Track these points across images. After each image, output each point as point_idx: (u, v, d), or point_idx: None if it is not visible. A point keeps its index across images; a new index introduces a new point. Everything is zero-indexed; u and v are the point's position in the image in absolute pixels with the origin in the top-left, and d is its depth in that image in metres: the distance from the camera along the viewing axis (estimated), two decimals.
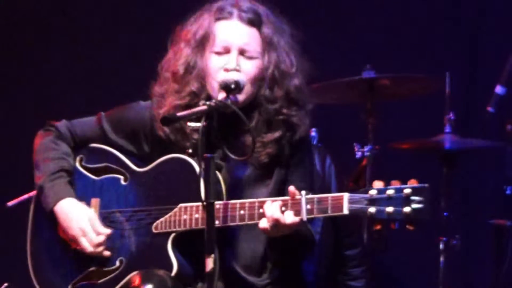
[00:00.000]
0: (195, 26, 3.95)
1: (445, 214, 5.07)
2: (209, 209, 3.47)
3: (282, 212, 3.64)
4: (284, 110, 3.88)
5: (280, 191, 3.87)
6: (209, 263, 3.41)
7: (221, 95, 3.69)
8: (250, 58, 3.86)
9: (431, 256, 5.15)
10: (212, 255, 3.41)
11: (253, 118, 3.88)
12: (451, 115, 5.12)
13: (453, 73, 5.16)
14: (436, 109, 5.20)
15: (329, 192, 4.78)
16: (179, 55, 3.94)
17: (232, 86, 3.72)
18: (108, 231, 3.91)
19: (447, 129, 5.12)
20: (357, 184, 5.16)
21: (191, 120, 3.59)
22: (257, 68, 3.86)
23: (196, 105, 3.79)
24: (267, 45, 3.89)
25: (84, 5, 6.34)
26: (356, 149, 5.17)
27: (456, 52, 5.93)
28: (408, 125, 5.70)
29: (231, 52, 3.85)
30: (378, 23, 6.03)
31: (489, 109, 4.77)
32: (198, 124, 3.51)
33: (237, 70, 3.81)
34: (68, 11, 6.33)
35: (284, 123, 3.89)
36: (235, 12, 3.89)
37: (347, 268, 4.98)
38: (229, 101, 3.65)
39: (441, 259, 5.05)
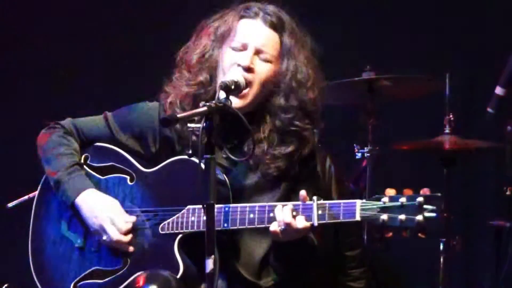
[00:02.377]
0: (218, 22, 3.97)
1: (445, 215, 5.05)
2: (209, 210, 3.45)
3: (294, 217, 3.64)
4: (297, 122, 3.88)
5: (285, 200, 3.83)
6: (209, 264, 3.40)
7: (221, 95, 3.66)
8: (265, 60, 3.87)
9: (431, 257, 5.16)
10: (212, 256, 3.40)
11: (266, 126, 3.89)
12: (451, 116, 5.13)
13: (453, 74, 5.17)
14: (436, 110, 5.21)
15: (329, 193, 4.77)
16: (197, 46, 3.97)
17: (232, 86, 3.71)
18: (133, 218, 3.90)
19: (447, 130, 5.13)
20: (357, 185, 5.17)
21: (191, 121, 3.58)
22: (270, 72, 3.87)
23: (203, 96, 3.85)
24: (286, 53, 3.90)
25: (86, 4, 6.34)
26: (356, 150, 5.19)
27: (456, 53, 5.93)
28: (408, 126, 5.72)
29: (248, 49, 3.86)
30: (378, 24, 6.04)
31: (489, 110, 4.64)
32: (198, 125, 3.50)
33: (250, 68, 3.82)
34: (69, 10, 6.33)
35: (297, 137, 3.88)
36: (261, 13, 3.91)
37: (347, 269, 4.97)
38: (228, 102, 3.62)
39: (441, 260, 5.06)
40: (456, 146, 5.11)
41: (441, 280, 5.06)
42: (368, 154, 5.13)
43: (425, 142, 5.18)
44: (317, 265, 4.08)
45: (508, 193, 4.86)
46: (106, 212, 3.91)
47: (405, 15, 6.00)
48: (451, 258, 5.07)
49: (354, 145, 5.21)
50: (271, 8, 3.94)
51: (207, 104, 3.50)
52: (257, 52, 3.86)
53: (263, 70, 3.86)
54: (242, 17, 3.93)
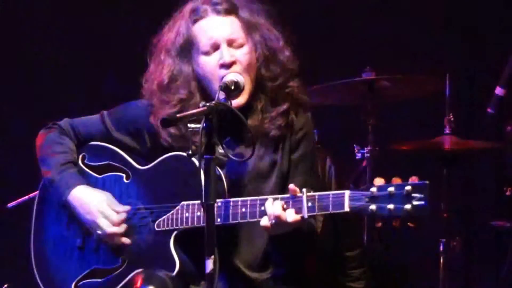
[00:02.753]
0: (172, 34, 3.94)
1: (444, 215, 5.07)
2: (209, 211, 3.46)
3: (284, 209, 3.63)
4: (288, 83, 3.90)
5: (282, 186, 3.87)
6: (209, 264, 3.41)
7: (221, 96, 3.66)
8: (240, 46, 3.86)
9: (431, 257, 5.17)
10: (212, 257, 3.41)
11: (259, 100, 3.89)
12: (451, 116, 5.13)
13: (453, 74, 5.17)
14: (436, 110, 5.22)
15: None
16: (161, 66, 3.94)
17: (232, 87, 3.71)
18: (127, 207, 3.91)
19: (447, 130, 5.13)
20: (357, 185, 5.12)
21: (191, 122, 3.58)
22: (249, 54, 3.86)
23: (189, 108, 3.80)
24: (249, 27, 3.90)
25: (86, 4, 6.33)
26: (356, 150, 5.19)
27: (456, 53, 5.94)
28: (408, 126, 5.73)
29: (221, 46, 3.84)
30: (378, 25, 6.04)
31: (489, 110, 4.69)
32: (198, 125, 3.50)
33: (233, 61, 3.81)
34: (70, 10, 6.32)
35: (288, 95, 3.90)
36: (209, 8, 3.88)
37: (347, 269, 4.93)
38: (228, 102, 3.63)
39: (441, 260, 5.06)
40: (456, 147, 5.11)
41: (441, 280, 5.06)
42: (368, 155, 5.13)
43: (425, 142, 5.18)
44: (315, 251, 4.11)
45: (508, 193, 4.88)
46: (97, 207, 3.92)
47: (405, 15, 6.01)
48: (451, 259, 5.07)
49: (354, 145, 5.21)
50: None
51: (207, 104, 3.51)
52: (229, 43, 3.85)
53: (242, 55, 3.85)
54: (194, 21, 3.90)
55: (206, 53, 3.85)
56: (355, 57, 5.63)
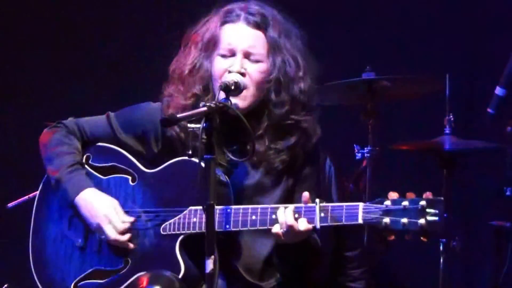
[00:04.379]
0: (203, 29, 3.97)
1: (444, 215, 5.03)
2: (209, 211, 3.46)
3: (296, 219, 3.65)
4: (293, 115, 3.89)
5: (287, 200, 3.87)
6: (209, 264, 3.42)
7: (221, 96, 3.67)
8: (256, 61, 3.86)
9: (431, 257, 5.17)
10: (212, 257, 3.41)
11: (262, 122, 3.89)
12: (451, 117, 5.13)
13: (453, 74, 5.17)
14: (436, 110, 5.22)
15: (329, 193, 4.81)
16: (187, 57, 3.96)
17: (232, 87, 3.71)
18: (131, 218, 3.91)
19: (447, 130, 5.13)
20: (357, 185, 5.18)
21: (191, 122, 3.58)
22: (263, 72, 3.87)
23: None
24: (272, 48, 3.89)
25: (89, 5, 6.35)
26: (356, 150, 5.17)
27: (456, 53, 5.93)
28: (408, 127, 5.73)
29: (236, 55, 3.86)
30: (378, 25, 6.05)
31: (489, 110, 4.73)
32: (198, 126, 3.51)
33: (242, 73, 3.81)
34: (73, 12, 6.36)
35: (297, 129, 3.90)
36: (242, 15, 3.90)
37: (347, 270, 5.01)
38: (228, 102, 3.64)
39: (441, 260, 5.07)
40: (456, 147, 5.12)
41: (441, 280, 5.07)
42: (368, 155, 5.11)
43: (425, 143, 5.19)
44: (320, 264, 4.11)
45: (508, 193, 4.86)
46: (104, 211, 3.92)
47: (404, 16, 6.00)
48: (451, 259, 5.08)
49: (354, 145, 5.19)
50: (253, 6, 3.93)
51: (207, 104, 3.51)
52: (246, 55, 3.86)
53: (255, 71, 3.85)
54: (224, 22, 3.92)
55: (223, 56, 3.88)
56: (355, 57, 5.63)
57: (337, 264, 5.02)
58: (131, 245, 3.91)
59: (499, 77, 4.75)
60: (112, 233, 3.90)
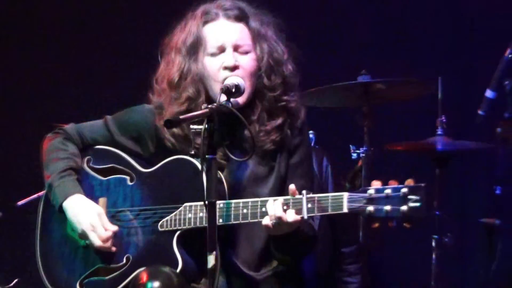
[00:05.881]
0: (183, 35, 3.96)
1: (437, 212, 5.05)
2: (210, 208, 3.50)
3: (284, 210, 3.67)
4: (284, 97, 3.92)
5: (280, 189, 3.91)
6: (211, 260, 3.45)
7: (222, 98, 3.71)
8: (245, 52, 3.89)
9: (423, 253, 5.17)
10: (214, 252, 3.44)
11: (256, 108, 3.91)
12: (443, 118, 5.14)
13: (445, 77, 5.17)
14: (429, 112, 5.22)
15: (326, 191, 4.77)
16: (171, 65, 3.96)
17: (233, 90, 3.75)
18: (115, 227, 3.93)
19: (440, 131, 5.14)
20: (353, 184, 5.16)
21: (194, 123, 3.63)
22: (253, 61, 3.89)
23: (195, 109, 3.83)
24: (257, 37, 3.92)
25: (90, 9, 6.37)
26: (352, 150, 5.18)
27: (448, 57, 5.92)
28: (402, 128, 5.73)
29: (226, 50, 3.88)
30: (373, 30, 6.03)
31: (480, 112, 4.67)
32: (200, 127, 3.55)
33: (236, 66, 3.84)
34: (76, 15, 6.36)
35: (284, 110, 3.92)
36: (221, 12, 3.92)
37: (344, 265, 5.08)
38: (230, 105, 3.68)
39: (433, 256, 5.07)
40: (448, 147, 5.12)
41: (434, 275, 5.07)
42: (364, 155, 5.13)
43: (419, 143, 5.18)
44: (314, 251, 4.13)
45: (498, 192, 4.75)
46: (89, 218, 3.93)
47: (399, 22, 6.01)
48: (443, 254, 5.08)
49: (350, 145, 5.20)
50: (226, 3, 3.95)
51: (209, 106, 3.56)
52: (235, 48, 3.88)
53: (246, 62, 3.88)
54: (205, 22, 3.93)
55: (212, 55, 3.89)
56: (351, 61, 5.61)
57: (335, 260, 5.06)
58: (114, 249, 3.92)
59: (490, 81, 4.70)
60: (96, 241, 3.92)
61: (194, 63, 3.94)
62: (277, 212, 3.68)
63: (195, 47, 3.94)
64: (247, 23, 3.94)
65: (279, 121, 3.92)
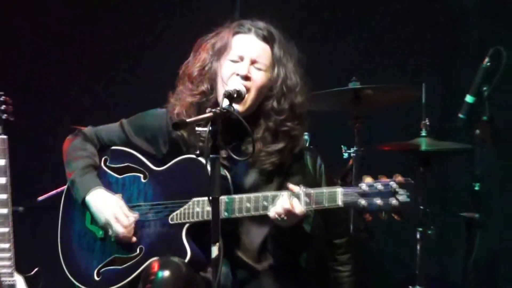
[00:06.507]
0: (214, 39, 4.15)
1: (421, 207, 5.17)
2: (214, 203, 3.57)
3: (291, 203, 3.81)
4: (288, 123, 4.05)
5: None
6: (215, 251, 3.52)
7: (225, 103, 3.82)
8: (259, 69, 4.03)
9: (409, 245, 5.27)
10: (217, 244, 3.51)
11: (260, 127, 4.04)
12: (427, 121, 5.26)
13: (429, 84, 5.26)
14: (413, 115, 5.33)
15: (320, 187, 4.71)
16: (197, 60, 4.13)
17: (235, 95, 3.88)
18: (136, 214, 4.06)
19: (423, 133, 5.27)
20: (345, 181, 5.28)
21: (199, 125, 3.72)
22: (264, 79, 4.03)
23: (205, 104, 4.00)
24: (277, 61, 4.06)
25: (103, 14, 6.44)
26: (343, 150, 5.30)
27: (432, 66, 6.03)
28: (389, 129, 5.82)
29: (244, 60, 4.03)
30: (363, 40, 6.13)
31: (460, 115, 4.95)
32: (205, 129, 3.61)
33: (247, 77, 3.99)
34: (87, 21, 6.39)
35: (287, 136, 4.05)
36: (253, 29, 4.08)
37: (336, 255, 5.20)
38: (232, 109, 3.79)
39: (418, 247, 5.18)
40: (431, 147, 5.23)
41: (418, 265, 5.18)
42: (354, 154, 5.24)
43: (404, 144, 5.29)
44: (308, 249, 4.21)
45: (476, 188, 4.98)
46: (112, 209, 4.07)
47: (387, 32, 6.11)
48: (427, 246, 5.17)
49: (342, 146, 5.32)
50: (261, 23, 4.10)
51: (213, 110, 3.65)
52: (253, 62, 4.02)
53: (258, 77, 4.01)
54: (236, 33, 4.09)
55: (232, 61, 4.05)
56: (343, 68, 5.66)
57: (327, 251, 5.16)
58: (134, 239, 4.05)
59: (469, 87, 4.97)
60: (119, 229, 4.05)
61: (215, 64, 4.08)
62: (285, 204, 3.80)
63: (221, 51, 4.08)
64: (272, 47, 4.07)
65: (280, 145, 4.02)
